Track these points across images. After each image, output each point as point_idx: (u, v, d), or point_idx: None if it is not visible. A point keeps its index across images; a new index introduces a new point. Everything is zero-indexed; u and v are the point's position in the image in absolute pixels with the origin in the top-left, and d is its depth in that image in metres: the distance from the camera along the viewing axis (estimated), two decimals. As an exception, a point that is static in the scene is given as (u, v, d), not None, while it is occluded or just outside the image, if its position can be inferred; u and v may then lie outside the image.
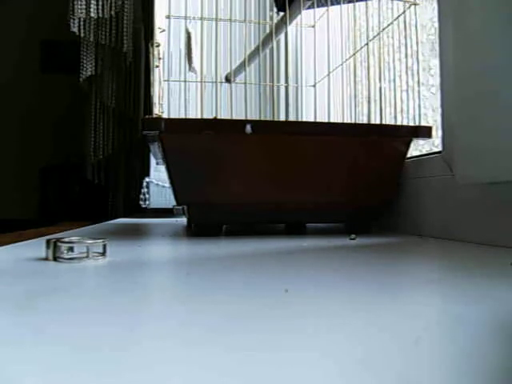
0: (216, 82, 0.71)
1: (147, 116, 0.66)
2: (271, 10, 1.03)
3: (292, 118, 1.33)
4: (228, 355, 0.17)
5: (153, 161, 1.35)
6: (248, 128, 0.62)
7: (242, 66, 0.92)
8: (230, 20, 0.81)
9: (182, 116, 0.71)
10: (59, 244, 0.40)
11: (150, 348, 0.18)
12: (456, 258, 0.46)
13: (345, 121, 0.90)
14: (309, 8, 0.85)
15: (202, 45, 0.70)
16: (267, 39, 0.89)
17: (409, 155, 0.70)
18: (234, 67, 0.93)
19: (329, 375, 0.15)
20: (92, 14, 1.62)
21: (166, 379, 0.15)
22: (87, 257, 0.40)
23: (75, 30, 1.66)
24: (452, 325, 0.21)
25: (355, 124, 0.84)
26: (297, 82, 1.31)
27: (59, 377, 0.15)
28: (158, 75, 0.67)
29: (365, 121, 0.81)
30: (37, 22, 2.83)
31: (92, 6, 1.62)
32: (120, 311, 0.23)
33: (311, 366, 0.16)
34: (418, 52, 0.70)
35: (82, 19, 1.66)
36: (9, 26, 2.85)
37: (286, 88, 1.33)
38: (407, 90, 0.72)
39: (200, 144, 0.63)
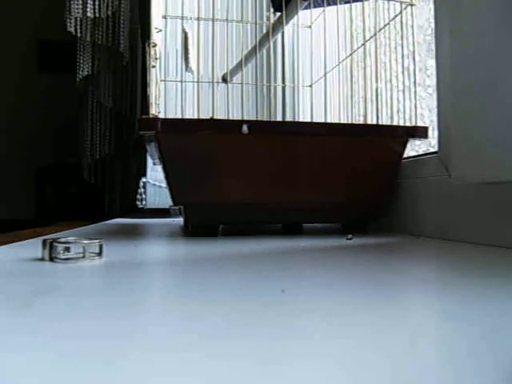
0: (213, 82, 0.71)
1: (144, 116, 0.66)
2: (268, 10, 1.03)
3: (289, 118, 1.33)
4: (224, 359, 0.17)
5: (149, 161, 1.34)
6: (245, 128, 0.62)
7: (238, 67, 0.92)
8: (227, 20, 0.81)
9: (179, 116, 0.71)
10: (55, 244, 0.40)
11: (147, 349, 0.18)
12: (452, 258, 0.46)
13: (341, 121, 0.90)
14: (305, 8, 0.85)
15: (198, 45, 0.70)
16: (264, 39, 0.89)
17: (405, 155, 0.70)
18: (230, 67, 0.93)
19: (328, 376, 0.15)
20: (89, 14, 1.62)
21: (165, 378, 0.15)
22: (83, 257, 0.40)
23: (72, 29, 1.65)
24: (448, 324, 0.21)
25: (352, 124, 0.84)
26: (293, 83, 1.31)
27: (55, 378, 0.15)
28: (154, 75, 0.67)
29: (361, 121, 0.81)
30: (34, 22, 2.82)
31: (89, 5, 1.61)
32: (115, 312, 0.23)
33: (308, 366, 0.16)
34: (414, 52, 0.70)
35: (78, 19, 1.66)
36: (5, 26, 2.84)
37: (283, 88, 1.33)
38: (404, 91, 0.72)
39: (197, 144, 0.63)
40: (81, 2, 1.62)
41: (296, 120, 1.30)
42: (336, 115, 0.93)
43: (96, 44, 1.72)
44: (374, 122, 0.73)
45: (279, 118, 1.29)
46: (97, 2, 1.62)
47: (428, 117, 0.80)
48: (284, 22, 0.81)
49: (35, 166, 2.62)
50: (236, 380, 0.14)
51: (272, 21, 0.88)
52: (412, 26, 0.70)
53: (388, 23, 0.74)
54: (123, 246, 0.56)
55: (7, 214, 2.57)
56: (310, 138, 0.66)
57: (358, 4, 0.83)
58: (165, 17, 0.76)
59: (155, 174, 1.38)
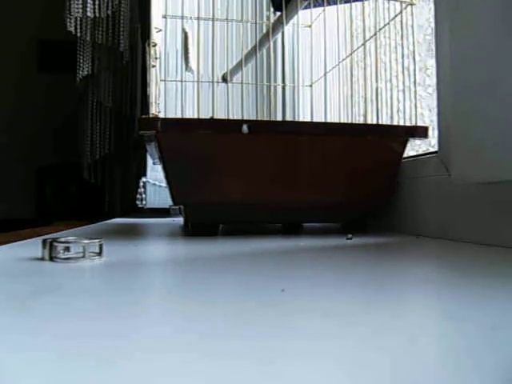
0: (213, 81, 0.71)
1: (144, 116, 0.66)
2: (268, 9, 1.03)
3: (289, 118, 1.33)
4: (224, 359, 0.17)
5: (149, 160, 1.34)
6: (245, 128, 0.62)
7: (238, 66, 0.92)
8: (227, 20, 0.81)
9: (179, 116, 0.71)
10: (55, 244, 0.40)
11: (147, 349, 0.18)
12: (452, 258, 0.46)
13: (341, 121, 0.91)
14: (305, 8, 0.85)
15: (198, 45, 0.70)
16: (264, 39, 0.89)
17: (405, 155, 0.70)
18: (230, 67, 0.93)
19: (328, 376, 0.15)
20: (88, 14, 1.62)
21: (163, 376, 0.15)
22: (83, 257, 0.40)
23: (72, 29, 1.65)
24: (448, 324, 0.21)
25: (352, 124, 0.84)
26: (293, 82, 1.31)
27: (55, 378, 0.15)
28: (154, 75, 0.67)
29: (361, 121, 0.81)
30: (34, 22, 2.82)
31: (88, 5, 1.61)
32: (115, 312, 0.23)
33: (308, 366, 0.16)
34: (414, 52, 0.70)
35: (78, 18, 1.66)
36: (5, 26, 2.84)
37: (283, 88, 1.33)
38: (404, 90, 0.72)
39: (196, 144, 0.63)
40: (81, 2, 1.61)
41: (296, 120, 1.30)
42: (336, 115, 0.93)
43: (96, 44, 1.72)
44: (374, 122, 0.73)
45: (279, 118, 1.29)
46: (97, 2, 1.62)
47: (428, 116, 0.80)
48: (284, 21, 0.81)
49: (35, 165, 2.62)
50: (236, 380, 0.14)
51: (272, 20, 0.88)
52: (412, 26, 0.70)
53: (388, 23, 0.74)
54: (123, 245, 0.56)
55: (7, 213, 2.57)
56: (310, 138, 0.66)
57: (358, 4, 0.83)
58: (165, 16, 0.76)
59: (155, 173, 1.38)
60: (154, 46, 0.67)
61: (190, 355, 0.17)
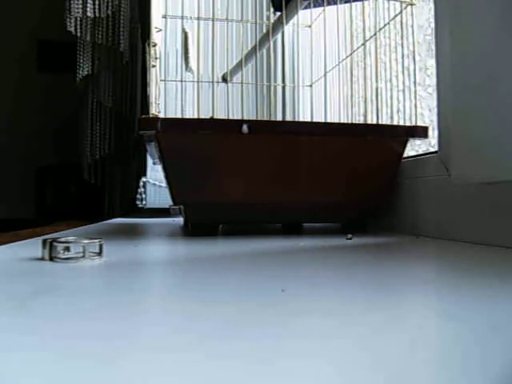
0: (213, 81, 0.71)
1: (144, 115, 0.66)
2: (268, 9, 1.03)
3: (289, 118, 1.33)
4: (224, 359, 0.17)
5: (149, 160, 1.35)
6: (245, 128, 0.62)
7: (238, 66, 0.92)
8: (227, 20, 0.81)
9: (179, 116, 0.71)
10: (55, 244, 0.40)
11: (147, 349, 0.18)
12: (452, 258, 0.46)
13: (341, 121, 0.91)
14: (305, 8, 0.85)
15: (198, 45, 0.70)
16: (264, 39, 0.89)
17: (405, 155, 0.70)
18: (230, 67, 0.93)
19: (328, 376, 0.15)
20: (88, 14, 1.62)
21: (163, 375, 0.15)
22: (83, 257, 0.40)
23: (72, 29, 1.65)
24: (448, 324, 0.21)
25: (352, 124, 0.84)
26: (293, 82, 1.31)
27: (55, 378, 0.15)
28: (154, 75, 0.67)
29: (361, 121, 0.81)
30: (34, 22, 2.82)
31: (88, 5, 1.61)
32: (115, 312, 0.23)
33: (309, 366, 0.16)
34: (414, 52, 0.70)
35: (78, 18, 1.66)
36: (5, 26, 2.84)
37: (283, 88, 1.33)
38: (404, 90, 0.72)
39: (196, 144, 0.63)
40: (81, 2, 1.61)
41: (296, 120, 1.30)
42: (336, 115, 0.93)
43: (96, 44, 1.71)
44: (374, 122, 0.73)
45: (279, 118, 1.29)
46: (97, 2, 1.62)
47: (428, 116, 0.80)
48: (284, 21, 0.81)
49: (35, 165, 2.62)
50: (236, 380, 0.14)
51: (272, 20, 0.88)
52: (412, 26, 0.70)
53: (388, 23, 0.74)
54: (123, 245, 0.56)
55: (7, 213, 2.57)
56: (310, 138, 0.66)
57: (358, 3, 0.83)
58: (165, 16, 0.76)
59: (155, 173, 1.38)
60: (154, 46, 0.67)
61: (190, 355, 0.17)
